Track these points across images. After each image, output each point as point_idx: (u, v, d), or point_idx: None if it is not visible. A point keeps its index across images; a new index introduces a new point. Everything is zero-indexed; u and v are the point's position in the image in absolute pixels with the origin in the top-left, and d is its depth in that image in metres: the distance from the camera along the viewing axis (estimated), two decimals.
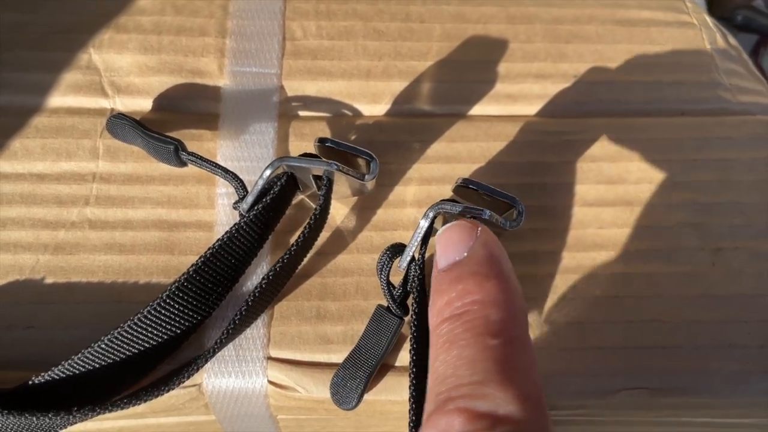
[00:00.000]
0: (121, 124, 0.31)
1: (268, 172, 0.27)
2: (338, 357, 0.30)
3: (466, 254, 0.19)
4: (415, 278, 0.27)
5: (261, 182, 0.27)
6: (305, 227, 0.28)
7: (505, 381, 0.16)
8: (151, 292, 0.30)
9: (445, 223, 0.29)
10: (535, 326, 0.30)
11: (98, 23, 0.34)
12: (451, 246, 0.20)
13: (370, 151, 0.28)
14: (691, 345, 0.30)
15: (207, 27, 0.35)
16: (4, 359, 0.29)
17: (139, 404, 0.26)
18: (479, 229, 0.20)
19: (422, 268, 0.28)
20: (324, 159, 0.27)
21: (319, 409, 0.30)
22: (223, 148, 0.33)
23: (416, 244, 0.27)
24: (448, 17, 0.36)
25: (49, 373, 0.27)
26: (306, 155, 0.28)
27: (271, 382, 0.30)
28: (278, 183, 0.28)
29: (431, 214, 0.26)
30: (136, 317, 0.27)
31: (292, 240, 0.31)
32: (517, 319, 0.18)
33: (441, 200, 0.27)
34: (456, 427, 0.16)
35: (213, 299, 0.29)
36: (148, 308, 0.27)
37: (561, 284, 0.31)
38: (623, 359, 0.30)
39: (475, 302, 0.18)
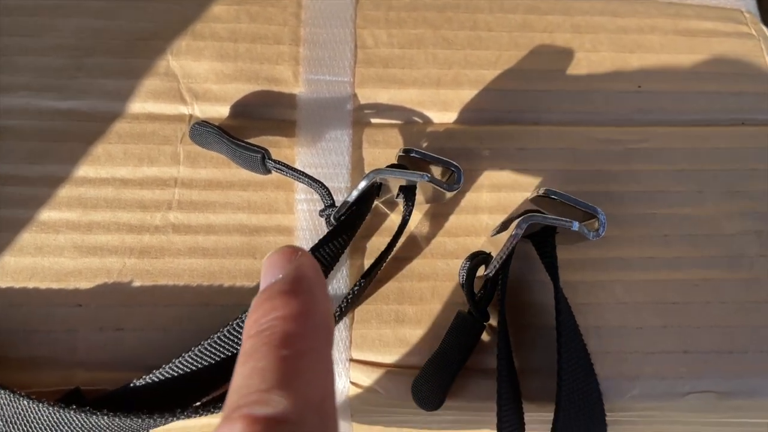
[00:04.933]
0: (205, 132, 0.32)
1: (364, 184, 0.28)
2: (417, 359, 0.31)
3: (281, 276, 0.20)
4: (501, 286, 0.29)
5: (356, 193, 0.28)
6: (393, 239, 0.29)
7: (288, 387, 0.17)
8: (236, 295, 0.32)
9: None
10: (604, 332, 0.32)
11: (175, 30, 0.35)
12: (269, 270, 0.21)
13: (456, 163, 0.29)
14: (757, 349, 0.32)
15: (281, 35, 0.35)
16: (96, 360, 0.30)
17: None
18: (299, 253, 0.21)
19: (507, 275, 0.29)
20: (415, 171, 0.28)
21: (399, 411, 0.32)
22: (301, 155, 0.33)
23: (506, 253, 0.28)
24: (515, 26, 0.36)
25: (151, 375, 0.28)
26: (396, 166, 0.29)
27: (353, 383, 0.31)
28: (368, 192, 0.29)
29: (525, 225, 0.27)
30: (234, 323, 0.28)
31: (368, 244, 0.33)
32: (315, 333, 0.19)
33: (529, 214, 0.28)
34: None
35: None
36: (244, 315, 0.28)
37: (628, 291, 0.32)
38: (691, 363, 0.31)
39: (277, 318, 0.19)
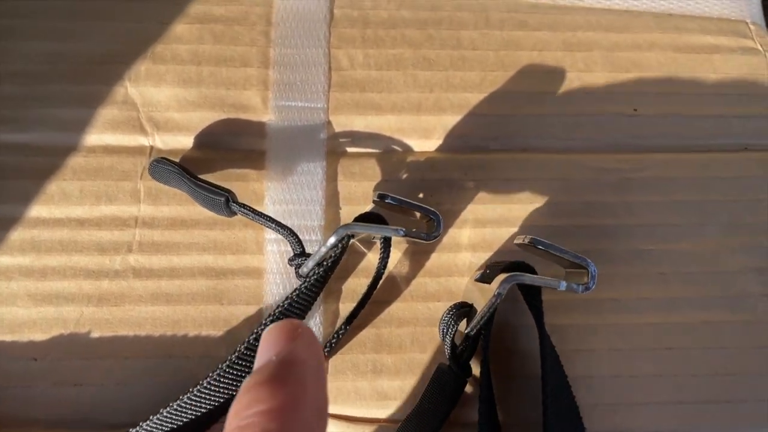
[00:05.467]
0: (165, 170, 0.29)
1: (333, 240, 0.25)
2: (396, 414, 0.29)
3: (273, 357, 0.18)
4: (484, 343, 0.27)
5: (324, 249, 0.26)
6: (368, 290, 0.27)
7: None
8: (202, 346, 0.30)
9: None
10: (594, 381, 0.30)
11: (134, 53, 0.32)
12: (264, 347, 0.19)
13: (435, 210, 0.27)
14: (756, 398, 0.30)
15: (248, 56, 0.33)
16: (54, 418, 0.29)
17: None
18: (298, 331, 0.19)
19: (490, 332, 0.27)
20: (389, 226, 0.26)
21: None
22: (270, 191, 0.31)
23: (488, 313, 0.26)
24: (501, 43, 0.34)
25: None
26: (368, 217, 0.27)
27: None
28: (339, 245, 0.26)
29: (507, 286, 0.25)
30: (196, 389, 0.26)
31: (344, 287, 0.31)
32: (301, 430, 0.17)
33: (515, 270, 0.26)
34: None
35: None
36: (209, 379, 0.26)
37: (621, 336, 0.30)
38: (685, 415, 0.30)
39: (259, 413, 0.17)
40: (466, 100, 0.33)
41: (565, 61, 0.34)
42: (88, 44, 0.32)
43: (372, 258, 0.31)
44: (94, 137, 0.31)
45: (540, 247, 0.27)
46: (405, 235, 0.26)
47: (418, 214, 0.29)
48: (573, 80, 0.33)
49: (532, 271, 0.27)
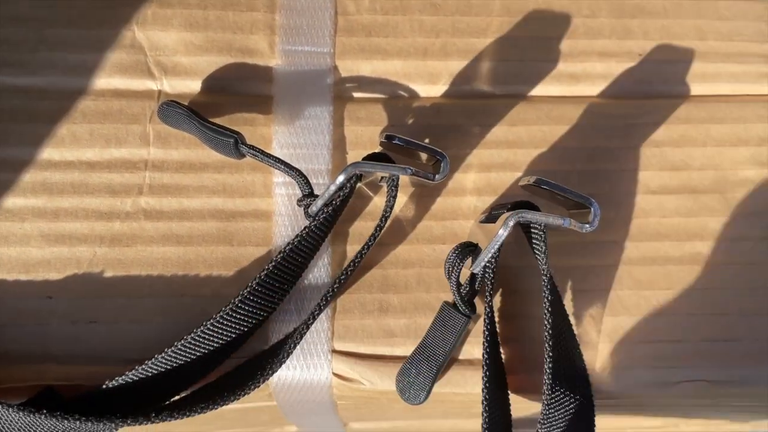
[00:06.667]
0: (174, 113, 0.30)
1: (341, 179, 0.26)
2: (402, 350, 0.30)
3: None
4: (489, 281, 0.27)
5: (333, 188, 0.26)
6: (375, 230, 0.28)
7: None
8: (213, 285, 0.30)
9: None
10: (597, 320, 0.31)
11: None
12: None
13: (441, 150, 0.28)
14: (751, 337, 0.31)
15: (254, 0, 0.33)
16: (69, 354, 0.29)
17: (219, 407, 0.26)
18: None
19: (495, 271, 0.28)
20: (397, 165, 0.27)
21: (382, 399, 0.31)
22: (278, 135, 0.31)
23: (493, 250, 0.26)
24: None
25: (133, 373, 0.27)
26: (376, 157, 0.27)
27: (336, 375, 0.30)
28: (347, 185, 0.27)
29: (511, 223, 0.25)
30: (209, 322, 0.26)
31: (351, 229, 0.31)
32: None
33: (519, 209, 0.26)
34: None
35: (279, 296, 0.29)
36: (222, 313, 0.26)
37: (623, 276, 0.31)
38: (683, 352, 0.30)
39: None
40: (472, 45, 0.33)
41: (571, 7, 0.34)
42: None
43: (378, 202, 0.31)
44: (102, 81, 0.32)
45: (544, 187, 0.27)
46: (413, 174, 0.26)
47: (424, 157, 0.29)
48: (578, 26, 0.33)
49: (537, 210, 0.27)
